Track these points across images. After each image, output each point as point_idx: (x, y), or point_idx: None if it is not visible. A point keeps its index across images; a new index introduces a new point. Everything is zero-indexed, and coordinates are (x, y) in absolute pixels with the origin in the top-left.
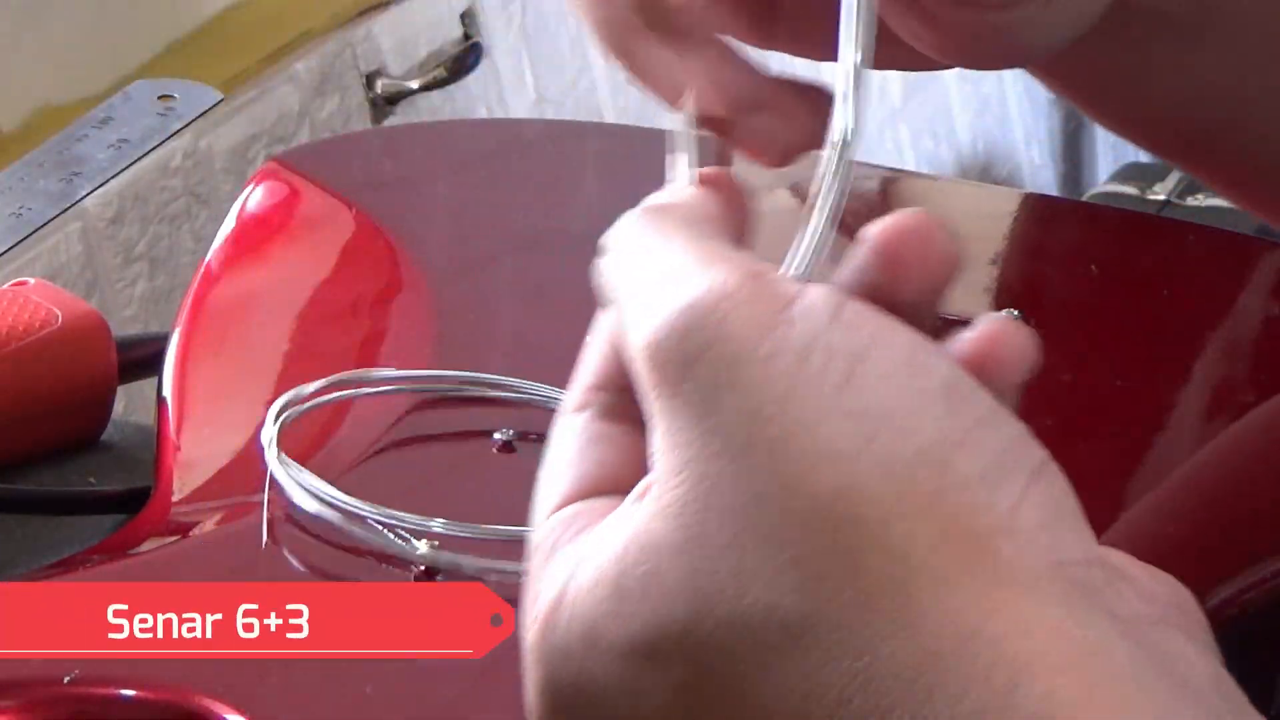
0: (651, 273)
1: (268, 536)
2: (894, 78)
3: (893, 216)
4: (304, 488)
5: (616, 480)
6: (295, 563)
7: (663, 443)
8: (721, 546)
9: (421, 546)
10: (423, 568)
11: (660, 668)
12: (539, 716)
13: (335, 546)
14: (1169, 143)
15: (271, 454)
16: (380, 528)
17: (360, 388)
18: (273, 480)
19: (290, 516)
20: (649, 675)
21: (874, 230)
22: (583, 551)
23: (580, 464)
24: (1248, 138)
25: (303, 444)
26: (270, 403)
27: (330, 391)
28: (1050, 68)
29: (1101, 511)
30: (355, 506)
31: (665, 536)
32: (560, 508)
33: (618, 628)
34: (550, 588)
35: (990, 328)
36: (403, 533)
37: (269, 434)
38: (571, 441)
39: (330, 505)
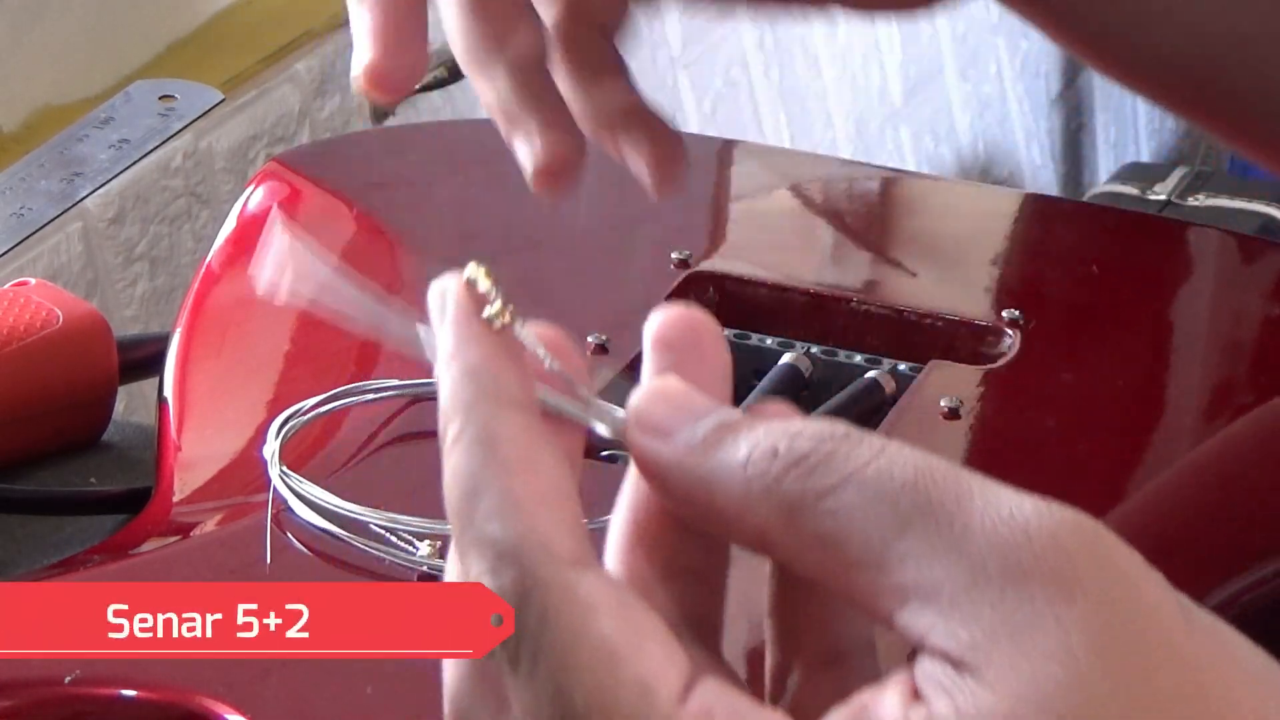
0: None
1: (270, 560)
2: (894, 78)
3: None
4: (307, 501)
5: (705, 636)
6: (297, 567)
7: (1027, 626)
8: None
9: (424, 549)
10: (425, 569)
11: None
12: None
13: (337, 557)
14: (1170, 88)
15: (274, 471)
16: (383, 532)
17: (362, 396)
18: (276, 495)
19: (293, 524)
20: None
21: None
22: None
23: (670, 639)
24: (1249, 81)
25: (304, 446)
26: (271, 403)
27: (331, 403)
28: (1048, 14)
29: (1101, 511)
30: (356, 513)
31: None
32: (686, 697)
33: None
34: None
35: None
36: (405, 536)
37: (271, 449)
38: (643, 616)
39: (332, 517)
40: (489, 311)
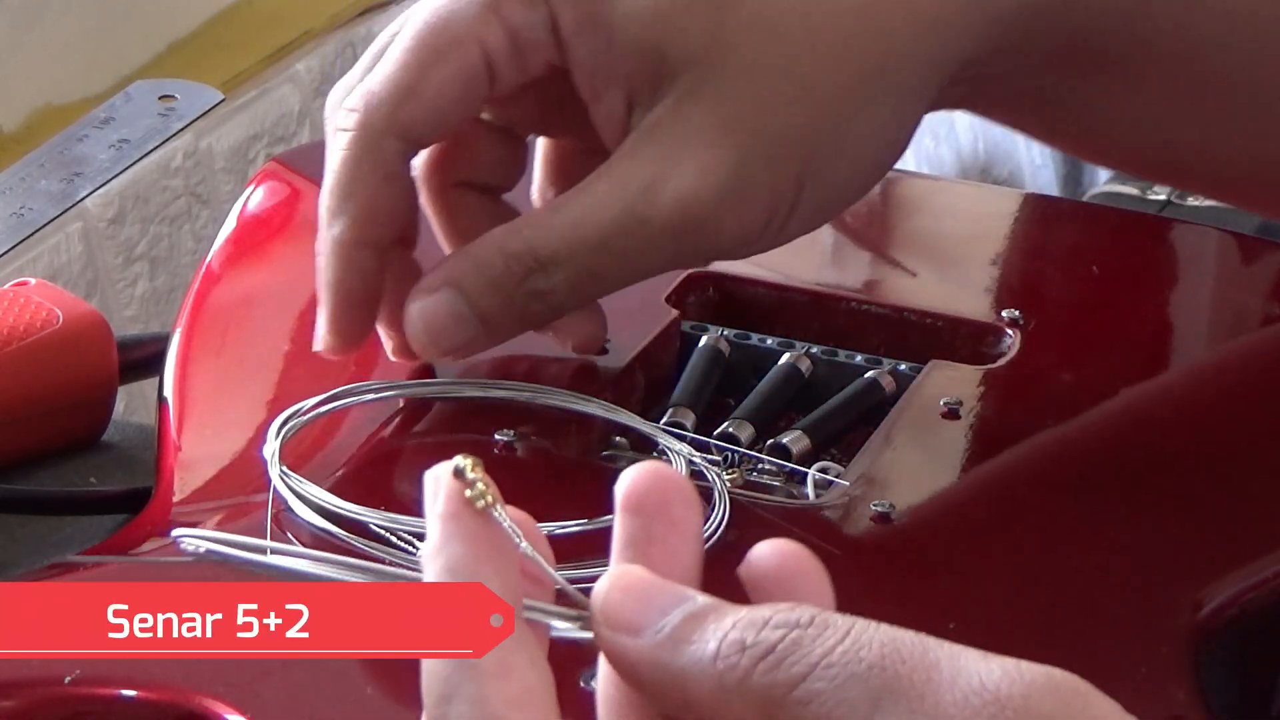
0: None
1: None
2: None
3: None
4: (307, 502)
5: None
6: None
7: None
8: None
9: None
10: None
11: None
12: None
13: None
14: (1127, 164)
15: (275, 471)
16: (383, 533)
17: (362, 396)
18: (275, 495)
19: (293, 524)
20: None
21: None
22: None
23: None
24: (1206, 158)
25: (304, 446)
26: (271, 403)
27: (331, 403)
28: (997, 111)
29: (1101, 512)
30: (356, 514)
31: None
32: None
33: None
34: None
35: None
36: (405, 536)
37: (271, 449)
38: None
39: (332, 517)
40: (471, 493)
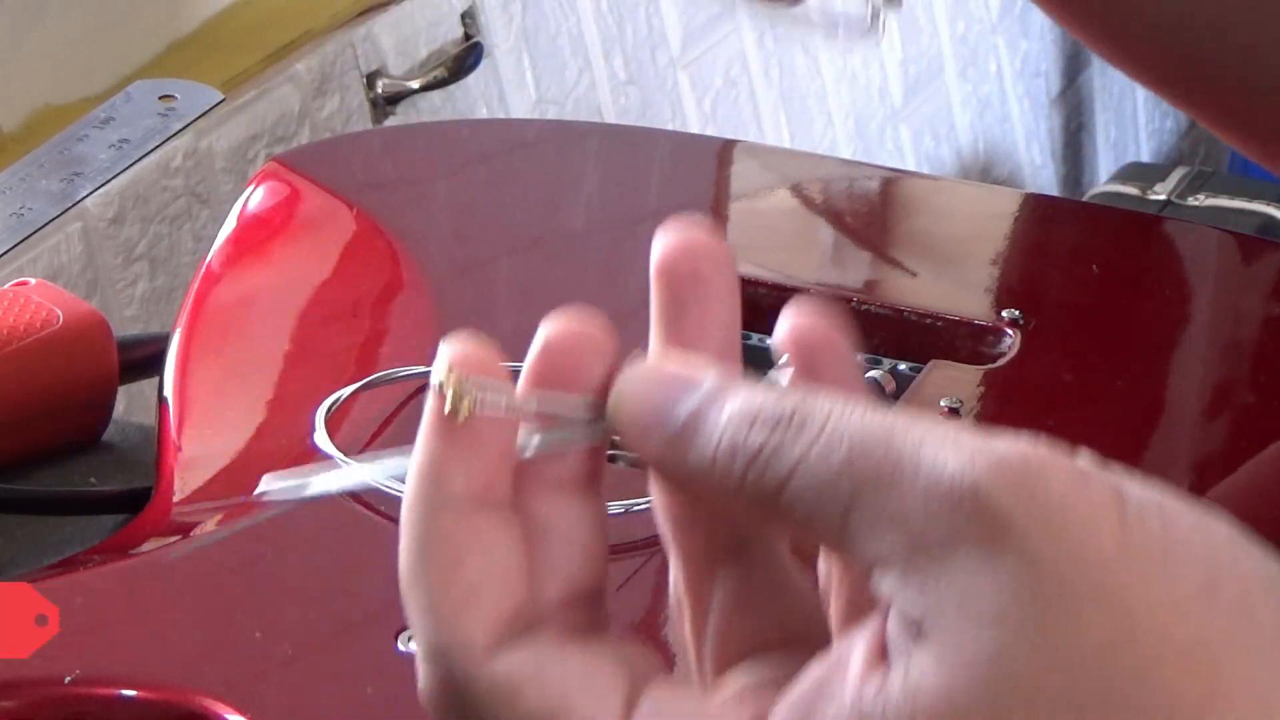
0: (944, 428)
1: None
2: (894, 78)
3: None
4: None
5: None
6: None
7: (967, 590)
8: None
9: None
10: None
11: None
12: None
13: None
14: (1153, 65)
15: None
16: None
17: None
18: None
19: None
20: None
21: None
22: None
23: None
24: (1232, 59)
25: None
26: (271, 402)
27: (370, 386)
28: None
29: None
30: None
31: (971, 691)
32: None
33: None
34: None
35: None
36: None
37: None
38: (563, 672)
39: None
40: (449, 407)
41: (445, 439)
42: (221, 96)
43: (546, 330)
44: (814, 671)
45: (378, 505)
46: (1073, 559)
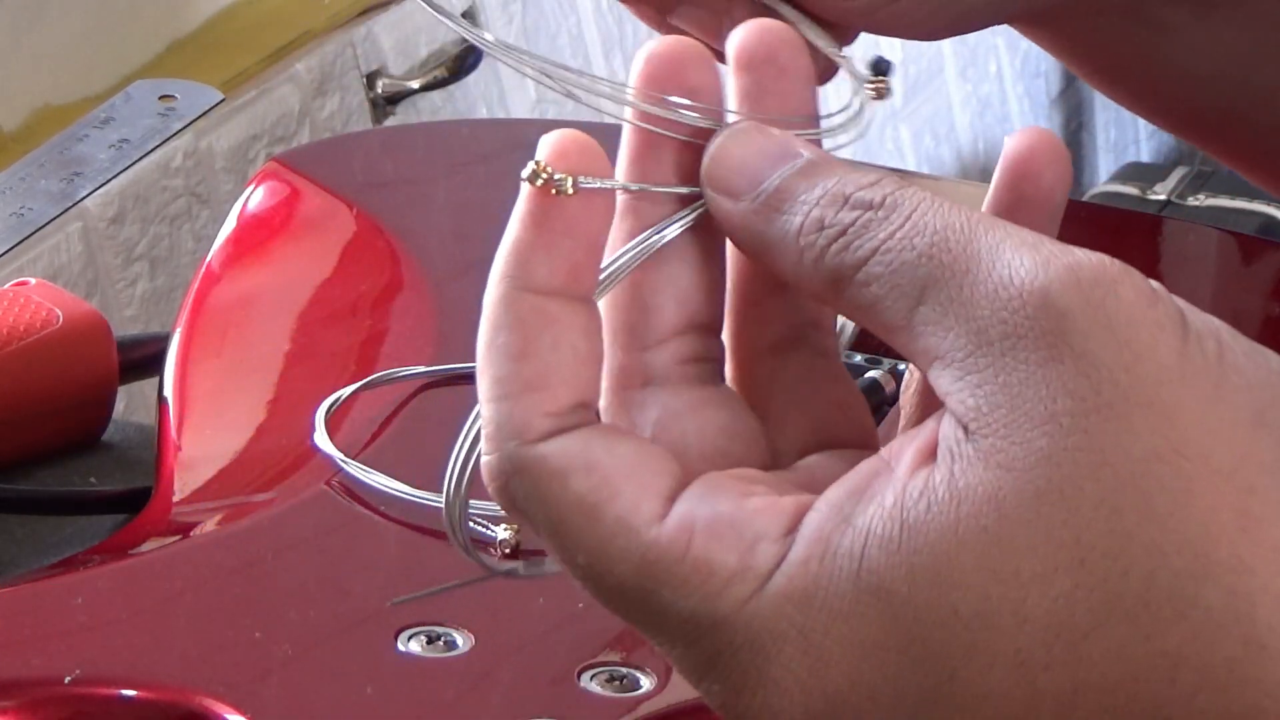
0: (1014, 234)
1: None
2: (894, 78)
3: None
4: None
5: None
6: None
7: (1023, 389)
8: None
9: (501, 532)
10: (508, 551)
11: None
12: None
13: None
14: (1181, 117)
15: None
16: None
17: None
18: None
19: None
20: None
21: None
22: (864, 514)
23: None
24: (1260, 113)
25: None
26: (271, 402)
27: (370, 386)
28: (1060, 41)
29: None
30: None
31: (1033, 485)
32: (666, 514)
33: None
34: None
35: (1024, 140)
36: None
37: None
38: (611, 460)
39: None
40: (556, 179)
41: (535, 225)
42: (221, 96)
43: (647, 48)
44: (860, 469)
45: (377, 505)
46: (1131, 370)
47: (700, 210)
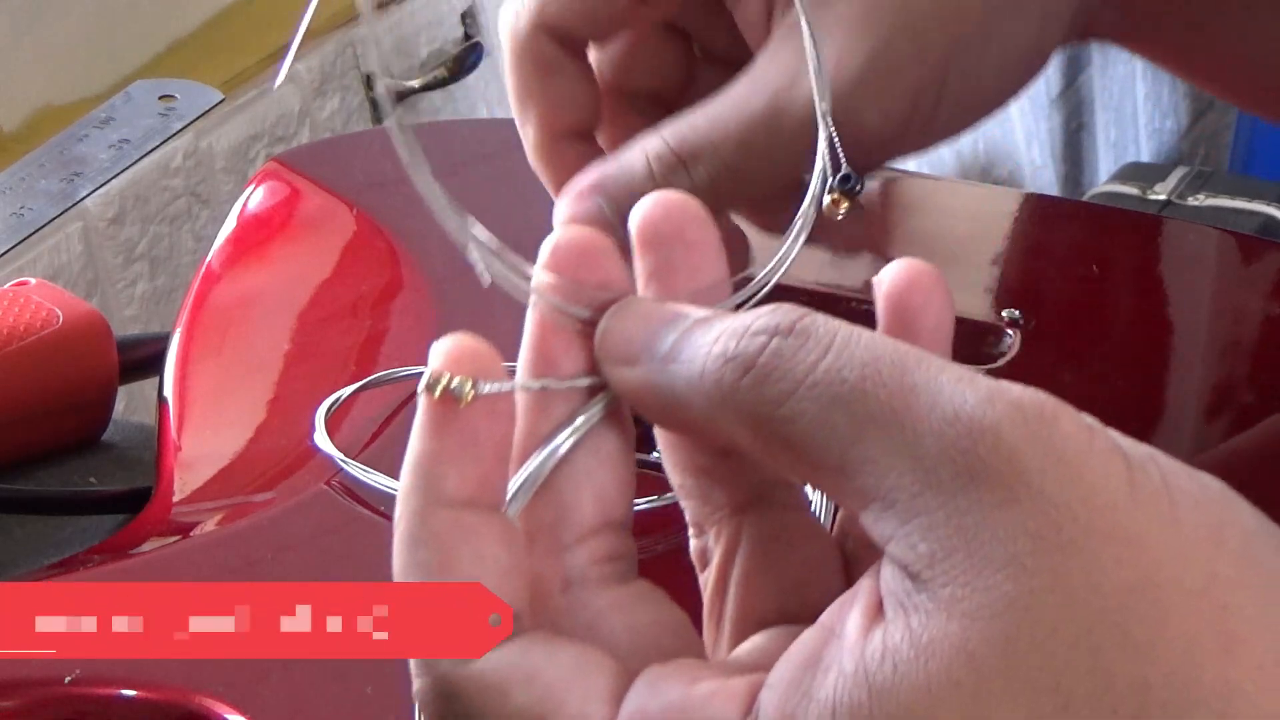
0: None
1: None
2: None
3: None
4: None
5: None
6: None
7: (979, 533)
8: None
9: None
10: None
11: None
12: None
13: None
14: (1237, 96)
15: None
16: None
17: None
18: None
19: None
20: None
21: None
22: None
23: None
24: None
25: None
26: (271, 402)
27: (370, 386)
28: (1108, 34)
29: None
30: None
31: (987, 635)
32: (615, 716)
33: None
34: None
35: (901, 275)
36: None
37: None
38: (553, 668)
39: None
40: (452, 389)
41: (439, 436)
42: (221, 96)
43: (553, 236)
44: (804, 640)
45: (377, 505)
46: (1088, 504)
47: (604, 402)
